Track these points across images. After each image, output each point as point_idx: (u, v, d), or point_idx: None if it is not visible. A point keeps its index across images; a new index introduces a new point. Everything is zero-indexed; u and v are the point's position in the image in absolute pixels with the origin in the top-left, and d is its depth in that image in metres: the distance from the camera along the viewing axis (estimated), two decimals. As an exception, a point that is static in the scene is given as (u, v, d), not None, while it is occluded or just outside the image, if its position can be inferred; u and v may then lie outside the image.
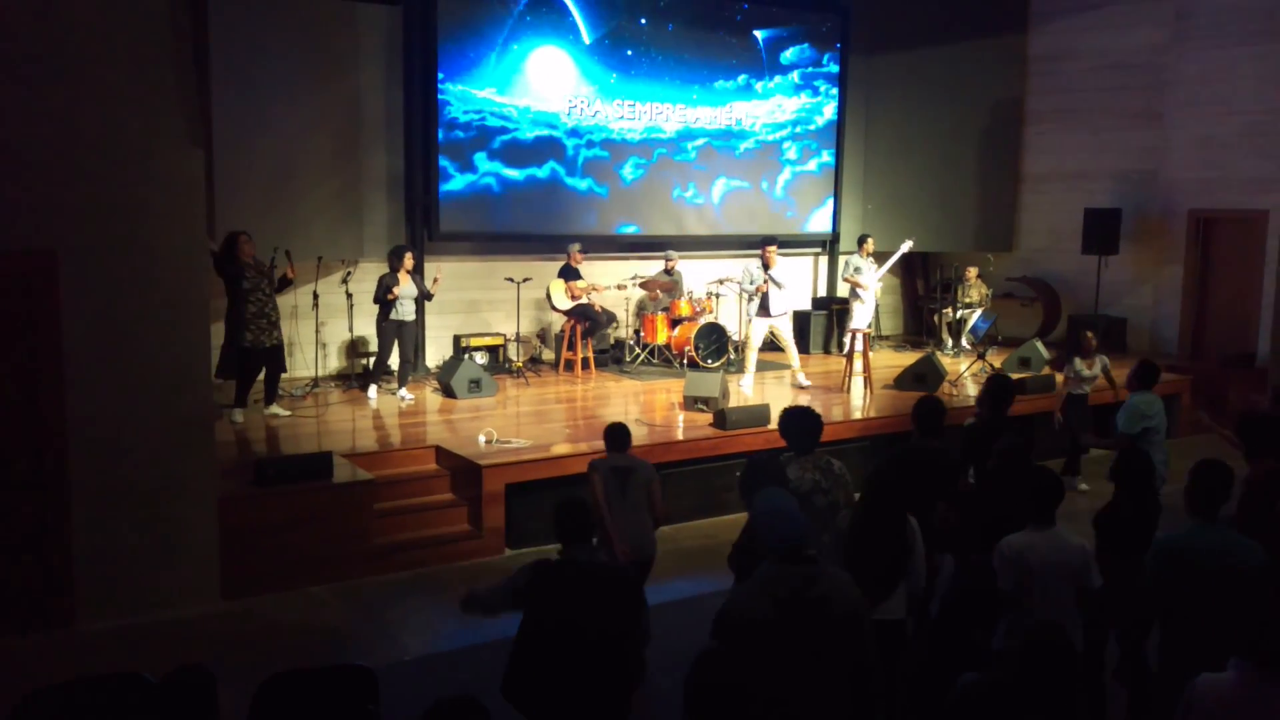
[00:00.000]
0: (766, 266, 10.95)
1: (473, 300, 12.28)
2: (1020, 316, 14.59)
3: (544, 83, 12.24)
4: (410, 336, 10.35)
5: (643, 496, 5.96)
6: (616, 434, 6.07)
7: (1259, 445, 5.57)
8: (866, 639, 3.64)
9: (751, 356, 11.26)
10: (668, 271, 12.50)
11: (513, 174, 12.10)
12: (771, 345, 11.54)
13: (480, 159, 11.88)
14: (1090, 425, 9.58)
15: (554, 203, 12.44)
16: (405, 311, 10.07)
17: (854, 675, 3.59)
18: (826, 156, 14.47)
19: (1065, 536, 4.68)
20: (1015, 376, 10.59)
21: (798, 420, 5.61)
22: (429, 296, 10.34)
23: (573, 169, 12.55)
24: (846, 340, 12.26)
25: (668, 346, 12.32)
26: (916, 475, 5.75)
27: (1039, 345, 12.28)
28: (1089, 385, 9.55)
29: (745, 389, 11.00)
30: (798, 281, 14.72)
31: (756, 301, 11.02)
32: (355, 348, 11.43)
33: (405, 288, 9.97)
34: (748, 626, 3.49)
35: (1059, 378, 10.32)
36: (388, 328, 10.12)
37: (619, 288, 12.25)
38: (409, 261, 10.07)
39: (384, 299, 9.92)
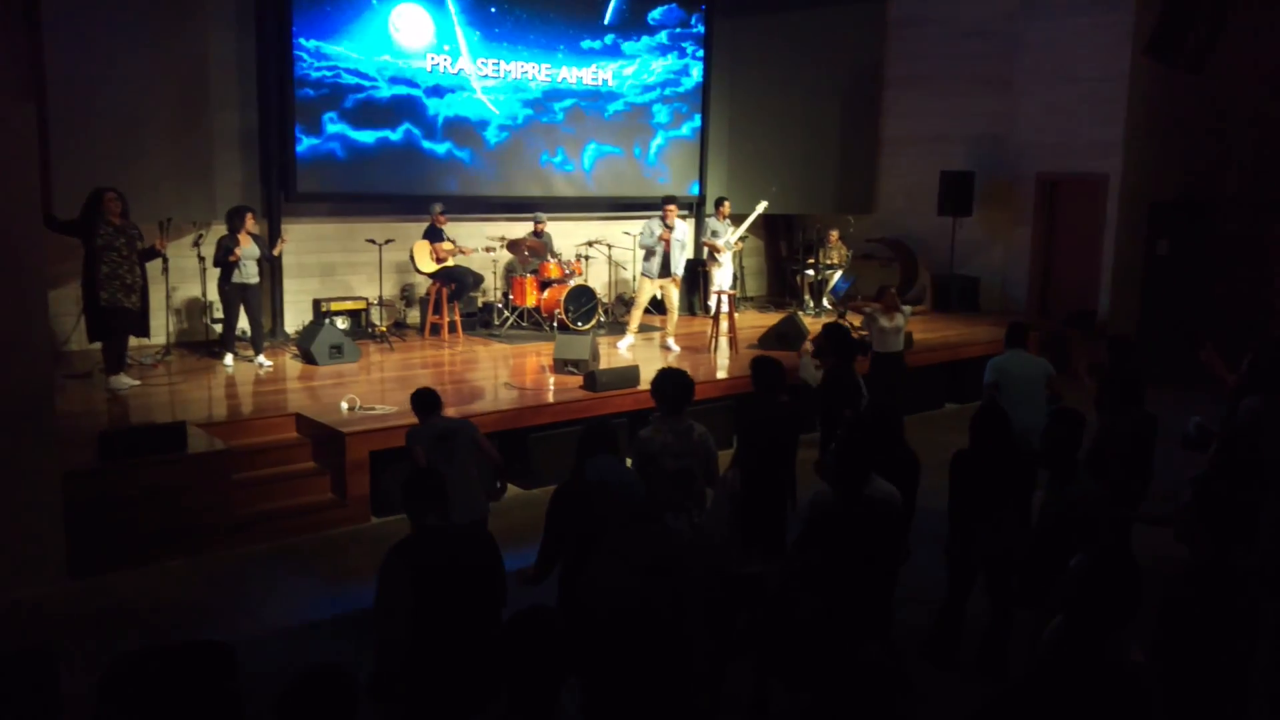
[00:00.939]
0: (668, 226, 10.98)
1: (332, 263, 11.92)
2: (879, 277, 14.95)
3: (404, 39, 11.89)
4: (256, 300, 9.97)
5: (469, 457, 5.90)
6: (426, 400, 6.00)
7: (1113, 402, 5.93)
8: (700, 605, 3.68)
9: (637, 316, 11.28)
10: (537, 233, 12.38)
11: (367, 136, 11.72)
12: (654, 308, 11.60)
13: (335, 118, 11.48)
14: (904, 384, 9.56)
15: (413, 166, 12.15)
16: (248, 274, 9.73)
17: (710, 627, 3.63)
18: (695, 119, 14.52)
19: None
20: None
21: (669, 382, 5.64)
22: (272, 259, 10.00)
23: (432, 131, 12.23)
24: (712, 302, 12.39)
25: (537, 309, 12.23)
26: (777, 431, 5.89)
27: (898, 304, 12.65)
28: (897, 343, 9.45)
29: (623, 349, 11.02)
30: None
31: (656, 261, 11.00)
32: (208, 313, 10.97)
33: (247, 249, 9.63)
34: (609, 597, 3.47)
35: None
36: (231, 291, 9.76)
37: (486, 250, 12.08)
38: (250, 222, 9.72)
39: (225, 261, 9.58)
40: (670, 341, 11.35)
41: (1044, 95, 13.95)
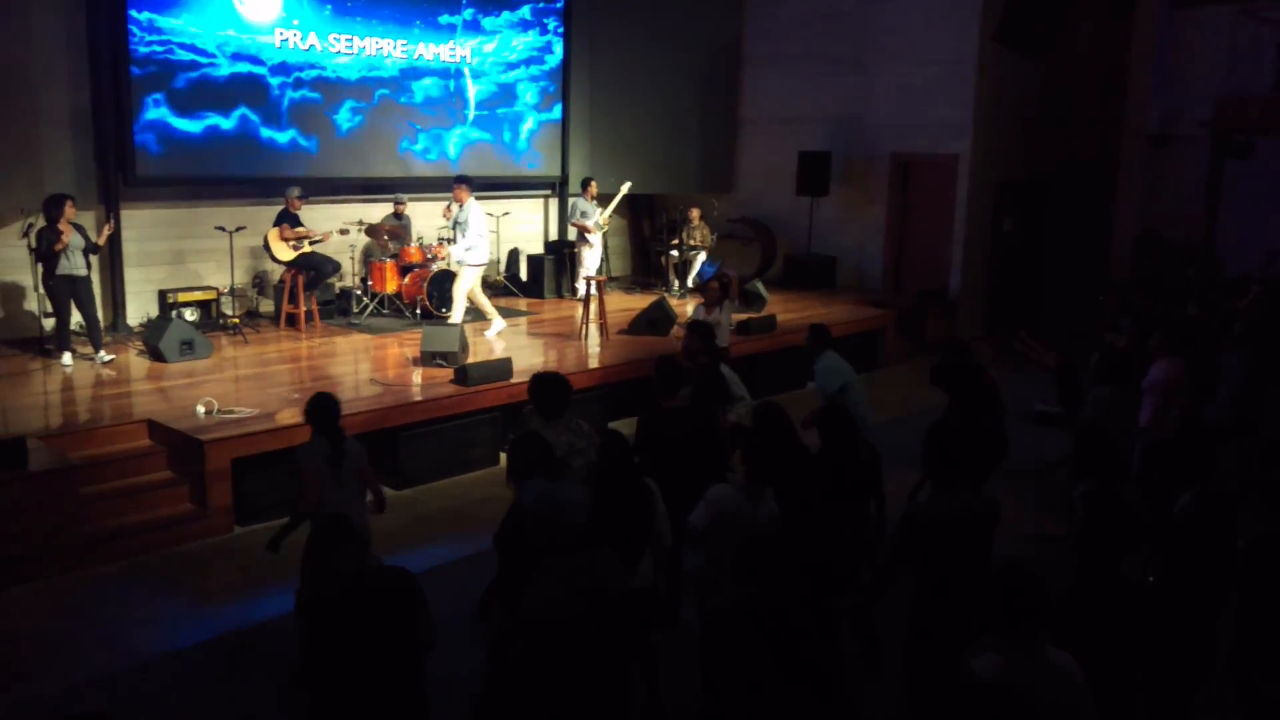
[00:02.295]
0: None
1: (179, 251, 11.28)
2: (740, 256, 15.14)
3: (249, 12, 11.27)
4: (86, 292, 9.35)
5: (353, 476, 5.46)
6: (324, 409, 5.36)
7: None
8: (635, 614, 3.67)
9: (484, 300, 11.07)
10: (397, 215, 11.99)
11: (192, 125, 11.01)
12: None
13: (161, 100, 10.74)
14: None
15: (261, 149, 11.55)
16: (75, 265, 9.15)
17: (633, 651, 3.58)
18: (557, 97, 14.29)
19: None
20: (738, 317, 11.03)
21: (547, 385, 5.55)
22: (95, 249, 9.38)
23: (277, 113, 11.61)
24: (580, 286, 12.28)
25: (398, 295, 11.87)
26: (667, 440, 5.84)
27: (759, 285, 12.82)
28: (723, 338, 9.27)
29: (491, 336, 10.80)
30: (528, 224, 14.62)
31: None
32: (41, 308, 10.21)
33: (72, 239, 9.03)
34: (559, 624, 3.39)
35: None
36: (58, 285, 9.16)
37: (342, 233, 11.60)
38: (70, 211, 9.11)
39: (49, 253, 8.97)
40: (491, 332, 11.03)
41: (897, 77, 14.28)
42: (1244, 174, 13.34)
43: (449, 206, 11.22)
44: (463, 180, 10.82)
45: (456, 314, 10.84)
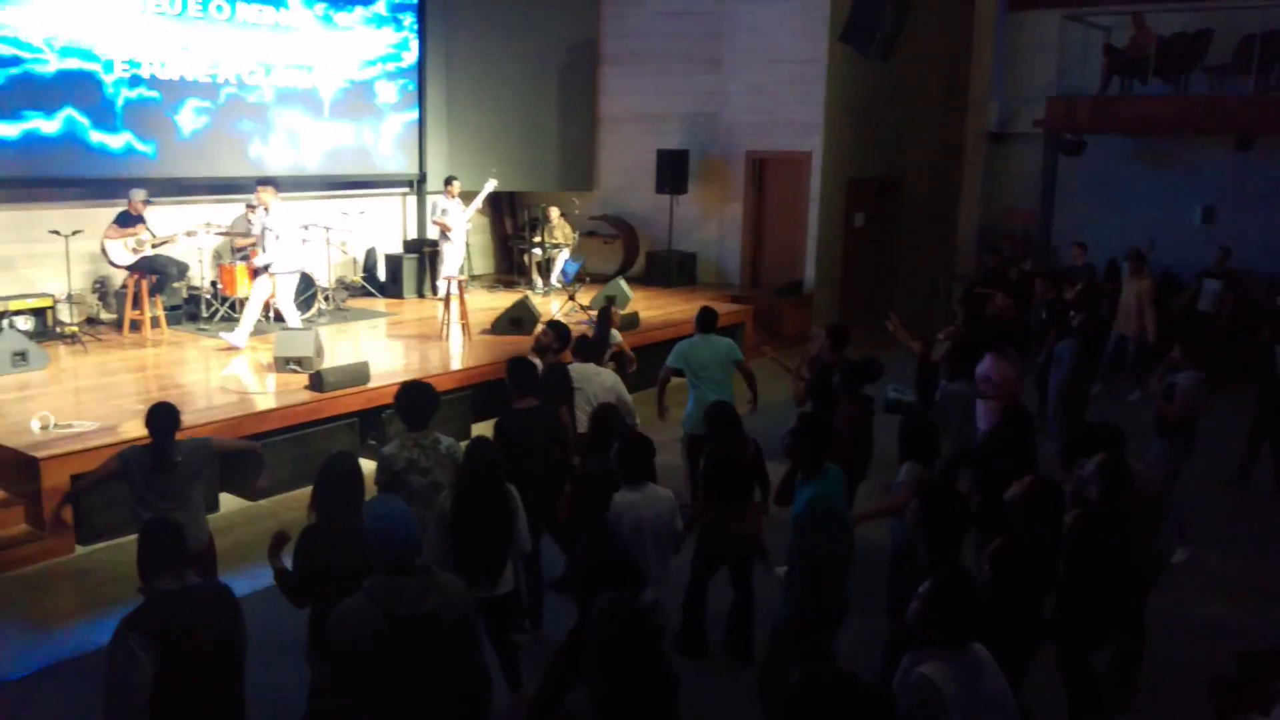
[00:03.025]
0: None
1: (9, 257, 10.66)
2: (603, 254, 15.24)
3: (85, 6, 10.72)
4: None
5: (186, 483, 5.30)
6: (164, 419, 5.18)
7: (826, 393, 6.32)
8: (477, 646, 3.61)
9: (255, 315, 10.46)
10: (247, 217, 11.60)
11: (23, 121, 10.45)
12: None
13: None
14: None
15: (95, 149, 11.01)
16: None
17: (466, 684, 3.54)
18: (415, 95, 14.07)
19: (658, 491, 5.01)
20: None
21: (414, 396, 5.45)
22: None
23: (107, 117, 11.05)
24: (441, 285, 12.13)
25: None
26: (521, 441, 5.84)
27: (622, 283, 12.90)
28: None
29: (228, 339, 10.22)
30: (386, 223, 14.36)
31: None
32: None
33: None
34: (360, 646, 3.29)
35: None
36: None
37: (189, 235, 11.14)
38: None
39: None
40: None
41: (751, 76, 14.55)
42: (1077, 170, 14.12)
43: (251, 209, 10.88)
44: (267, 182, 10.36)
45: (292, 320, 10.52)
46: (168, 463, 5.15)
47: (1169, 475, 7.32)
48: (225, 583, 3.90)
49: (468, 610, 3.58)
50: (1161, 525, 5.79)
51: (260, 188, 10.26)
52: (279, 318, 11.09)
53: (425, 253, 13.60)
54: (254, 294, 10.38)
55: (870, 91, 14.62)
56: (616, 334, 9.78)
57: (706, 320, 7.89)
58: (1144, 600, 5.54)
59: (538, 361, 7.00)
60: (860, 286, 15.41)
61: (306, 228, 11.93)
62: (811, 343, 8.05)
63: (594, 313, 11.61)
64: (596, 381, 7.01)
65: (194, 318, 11.43)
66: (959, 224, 16.94)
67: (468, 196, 12.66)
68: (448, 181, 12.73)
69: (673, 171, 14.54)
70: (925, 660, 3.24)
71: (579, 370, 7.04)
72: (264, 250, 10.28)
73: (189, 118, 11.73)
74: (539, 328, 10.97)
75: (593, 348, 7.33)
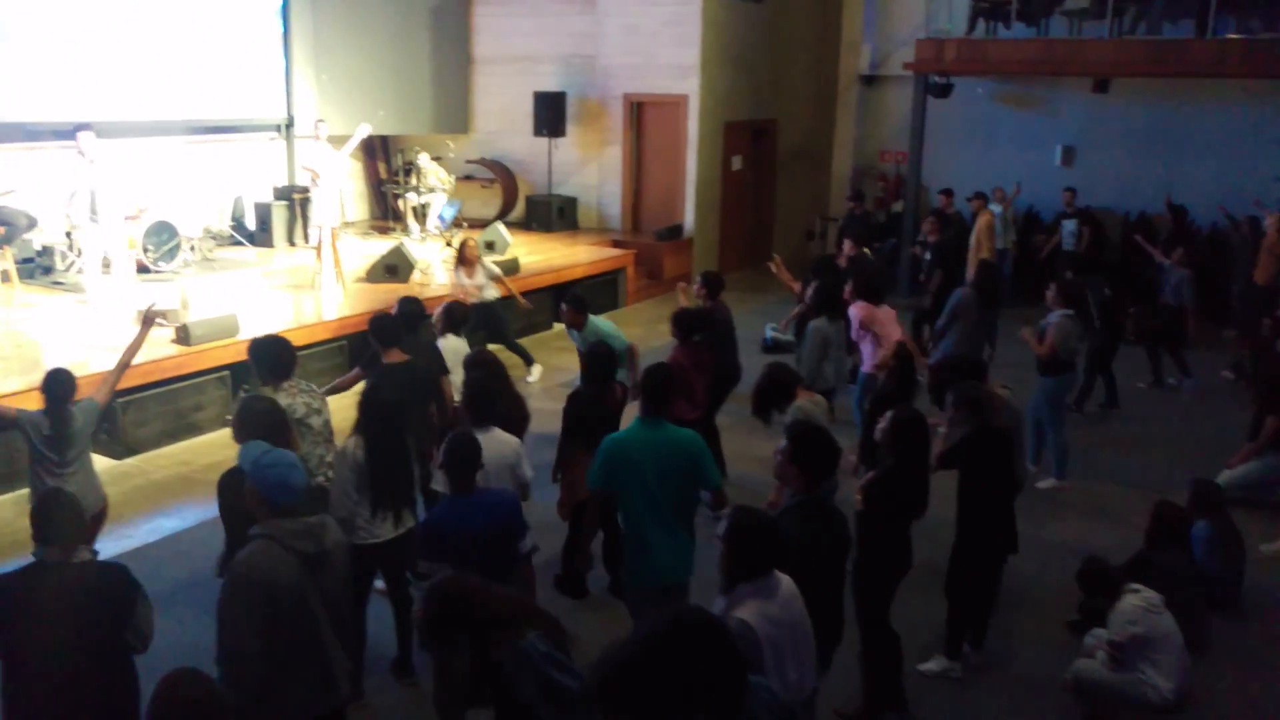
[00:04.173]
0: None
1: None
2: (481, 198, 15.03)
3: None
4: None
5: (89, 440, 5.36)
6: (60, 385, 5.17)
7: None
8: (350, 581, 3.69)
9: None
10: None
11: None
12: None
13: None
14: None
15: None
16: None
17: (337, 613, 3.58)
18: (282, 36, 13.52)
19: (500, 435, 4.99)
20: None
21: (269, 349, 5.36)
22: None
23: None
24: (313, 233, 11.78)
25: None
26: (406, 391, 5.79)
27: (501, 228, 12.75)
28: (489, 292, 9.65)
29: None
30: (256, 169, 13.84)
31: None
32: None
33: None
34: (278, 589, 3.30)
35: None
36: None
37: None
38: None
39: None
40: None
41: (626, 18, 14.41)
42: (945, 112, 14.46)
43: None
44: (83, 127, 9.50)
45: (119, 271, 9.79)
46: (67, 428, 5.16)
47: (1055, 410, 7.69)
48: (121, 564, 3.78)
49: (347, 550, 3.67)
50: (1022, 453, 6.09)
51: (79, 134, 9.46)
52: (142, 270, 10.65)
53: (295, 200, 13.18)
54: (85, 248, 9.83)
55: (745, 34, 14.66)
56: (492, 268, 9.69)
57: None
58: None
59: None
60: (740, 230, 15.57)
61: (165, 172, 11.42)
62: (683, 291, 8.11)
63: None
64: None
65: (49, 270, 10.85)
66: (833, 167, 17.22)
67: (339, 141, 12.27)
68: (318, 125, 12.30)
69: (550, 114, 14.37)
70: (738, 603, 3.32)
71: (447, 344, 6.90)
72: (85, 200, 9.51)
73: (33, 58, 11.04)
74: (415, 276, 10.87)
75: (458, 319, 7.18)
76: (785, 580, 3.48)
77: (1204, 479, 6.49)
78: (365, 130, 12.13)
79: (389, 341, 6.00)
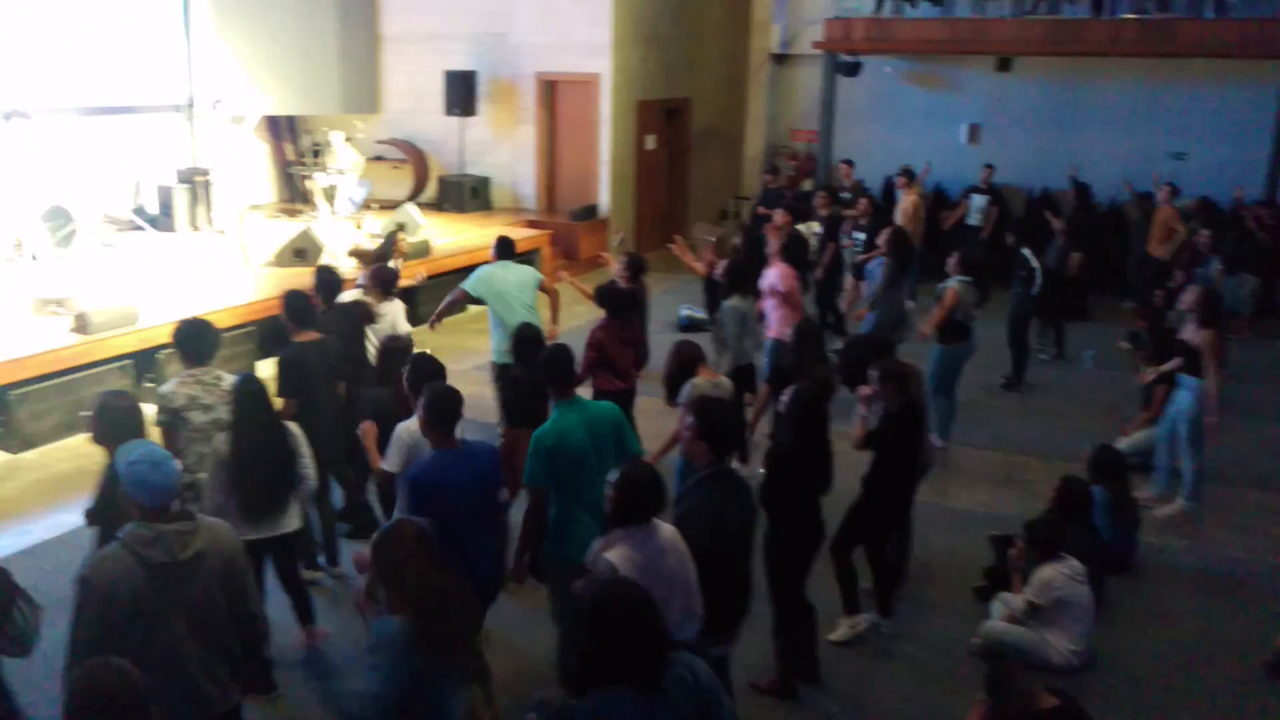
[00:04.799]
0: None
1: None
2: (392, 179, 14.79)
3: None
4: None
5: None
6: None
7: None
8: (248, 586, 3.54)
9: None
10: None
11: None
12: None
13: None
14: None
15: None
16: None
17: (239, 625, 3.48)
18: (182, 12, 13.07)
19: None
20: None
21: (192, 331, 5.24)
22: None
23: None
24: (217, 216, 11.50)
25: None
26: (307, 374, 5.69)
27: (412, 209, 12.56)
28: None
29: None
30: (157, 151, 13.40)
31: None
32: None
33: None
34: (117, 599, 3.16)
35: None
36: None
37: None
38: None
39: None
40: None
41: (537, -4, 14.28)
42: (855, 90, 14.66)
43: None
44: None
45: None
46: None
47: (946, 375, 7.88)
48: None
49: (236, 553, 3.49)
50: (927, 423, 6.24)
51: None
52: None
53: (198, 182, 12.80)
54: None
55: (656, 13, 14.64)
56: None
57: (506, 247, 7.91)
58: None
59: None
60: (654, 209, 15.59)
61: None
62: (609, 267, 8.15)
63: (381, 240, 11.33)
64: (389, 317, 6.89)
65: (-65, 258, 10.39)
66: (746, 146, 17.34)
67: (241, 121, 11.99)
68: (218, 105, 11.98)
69: (461, 93, 14.19)
70: (611, 545, 3.55)
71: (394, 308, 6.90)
72: None
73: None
74: (325, 259, 10.65)
75: (390, 281, 7.13)
76: (666, 532, 3.65)
77: (1103, 446, 6.73)
78: (265, 109, 11.83)
79: (301, 319, 5.89)
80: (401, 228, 12.00)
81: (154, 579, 3.20)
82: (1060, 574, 5.17)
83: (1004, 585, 5.59)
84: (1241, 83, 13.37)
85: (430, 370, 4.71)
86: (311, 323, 5.95)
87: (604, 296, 6.90)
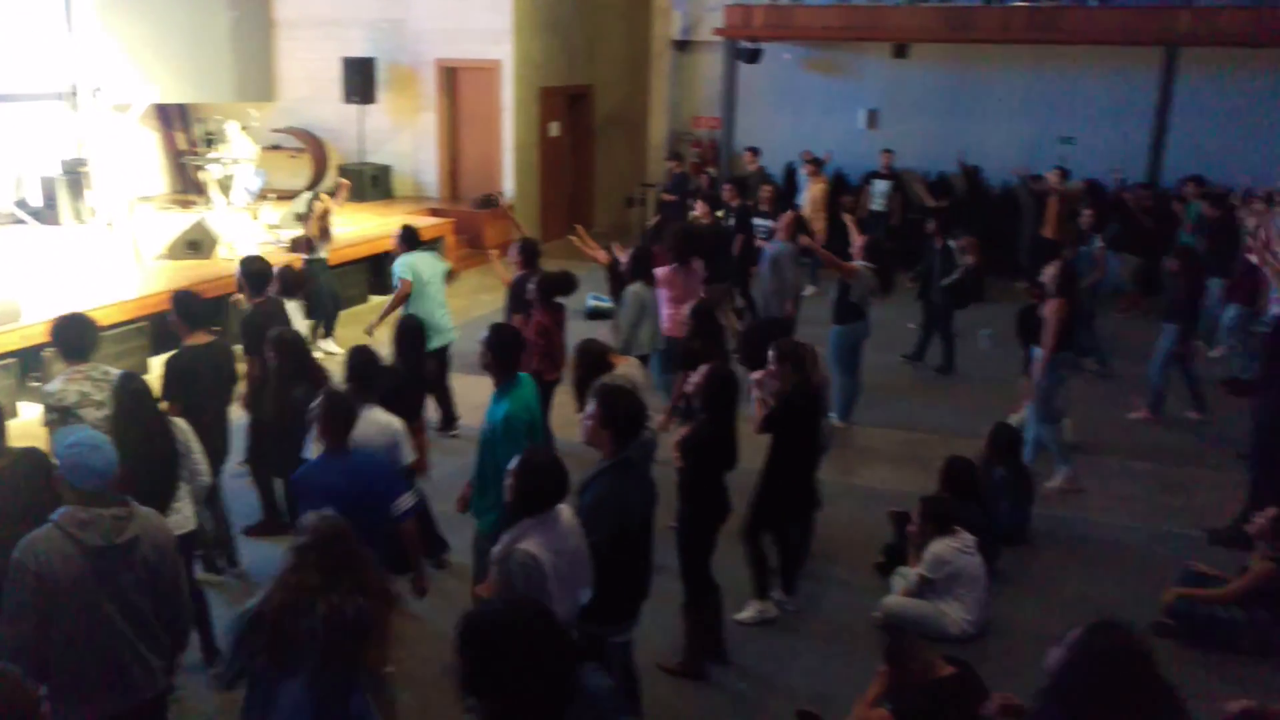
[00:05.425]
0: None
1: None
2: (290, 169, 14.45)
3: None
4: None
5: None
6: None
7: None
8: (180, 578, 3.52)
9: None
10: None
11: None
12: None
13: None
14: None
15: None
16: None
17: (166, 613, 3.45)
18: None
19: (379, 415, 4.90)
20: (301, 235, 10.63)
21: (70, 326, 5.08)
22: None
23: None
24: (105, 208, 11.09)
25: None
26: (195, 379, 5.58)
27: (310, 198, 12.28)
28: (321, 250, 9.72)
29: None
30: (39, 142, 12.86)
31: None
32: None
33: None
34: (49, 579, 3.15)
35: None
36: None
37: None
38: None
39: None
40: None
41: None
42: (756, 77, 14.78)
43: None
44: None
45: None
46: None
47: (845, 355, 8.03)
48: None
49: (169, 543, 3.50)
50: (827, 405, 6.36)
51: None
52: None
53: (82, 174, 12.31)
54: None
55: (558, 1, 14.56)
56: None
57: (413, 237, 8.06)
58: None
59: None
60: (560, 197, 15.54)
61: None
62: (495, 259, 8.20)
63: (280, 232, 11.13)
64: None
65: None
66: (650, 133, 17.37)
67: (126, 110, 11.57)
68: (98, 93, 11.53)
69: (360, 80, 13.94)
70: (523, 536, 3.56)
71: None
72: None
73: None
74: (221, 251, 10.40)
75: (294, 283, 7.03)
76: (565, 511, 3.71)
77: (1000, 425, 6.93)
78: (152, 98, 11.45)
79: (195, 321, 5.73)
80: (300, 217, 11.77)
81: (87, 562, 3.21)
82: (951, 548, 5.33)
83: (903, 560, 5.73)
84: (1125, 69, 13.85)
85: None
86: (202, 324, 5.79)
87: (546, 282, 6.88)
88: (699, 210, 10.37)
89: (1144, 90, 13.39)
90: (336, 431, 4.23)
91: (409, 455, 4.97)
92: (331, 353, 9.57)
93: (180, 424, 4.81)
